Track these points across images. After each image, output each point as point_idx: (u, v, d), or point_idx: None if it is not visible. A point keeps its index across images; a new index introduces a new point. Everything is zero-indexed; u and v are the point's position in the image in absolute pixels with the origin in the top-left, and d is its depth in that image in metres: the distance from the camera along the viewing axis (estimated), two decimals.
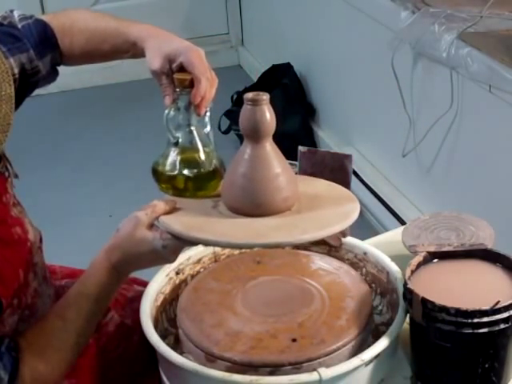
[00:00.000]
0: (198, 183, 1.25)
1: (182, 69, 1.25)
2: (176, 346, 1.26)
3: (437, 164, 2.47)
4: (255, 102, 1.17)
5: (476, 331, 1.11)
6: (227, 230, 1.15)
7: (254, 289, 1.31)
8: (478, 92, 2.12)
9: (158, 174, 1.26)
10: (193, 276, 1.39)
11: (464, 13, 2.25)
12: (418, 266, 1.23)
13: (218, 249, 1.42)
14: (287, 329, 1.21)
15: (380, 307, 1.36)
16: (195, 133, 1.25)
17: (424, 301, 1.13)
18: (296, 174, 1.42)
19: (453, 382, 1.19)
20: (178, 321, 1.27)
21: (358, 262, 1.40)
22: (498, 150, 2.14)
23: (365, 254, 1.39)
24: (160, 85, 1.27)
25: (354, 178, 2.31)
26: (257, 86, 3.46)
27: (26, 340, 1.17)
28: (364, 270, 1.39)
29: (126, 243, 1.19)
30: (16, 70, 1.26)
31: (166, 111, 1.24)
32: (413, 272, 1.21)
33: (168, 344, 1.21)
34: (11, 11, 1.34)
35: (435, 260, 1.25)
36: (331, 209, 1.21)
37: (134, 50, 1.33)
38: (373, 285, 1.37)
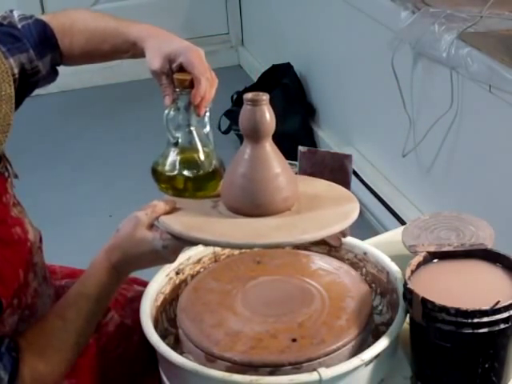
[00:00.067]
0: (197, 183, 1.25)
1: (181, 69, 1.25)
2: (176, 345, 1.26)
3: (437, 164, 2.47)
4: (255, 103, 1.17)
5: (476, 331, 1.11)
6: (227, 230, 1.15)
7: (253, 289, 1.31)
8: (477, 92, 2.12)
9: (157, 174, 1.26)
10: (193, 276, 1.39)
11: (464, 13, 2.25)
12: (418, 265, 1.23)
13: (217, 249, 1.42)
14: (287, 329, 1.21)
15: (380, 307, 1.36)
16: (195, 133, 1.25)
17: (424, 301, 1.13)
18: (296, 174, 1.42)
19: (453, 382, 1.19)
20: (178, 321, 1.27)
21: (358, 262, 1.40)
22: (498, 150, 2.14)
23: (365, 254, 1.39)
24: (160, 85, 1.27)
25: (354, 178, 2.31)
26: (257, 86, 3.46)
27: (26, 340, 1.17)
28: (364, 269, 1.39)
29: (126, 243, 1.19)
30: (16, 70, 1.26)
31: (166, 111, 1.24)
32: (413, 272, 1.21)
33: (168, 344, 1.21)
34: (11, 11, 1.34)
35: (435, 260, 1.25)
36: (331, 209, 1.21)
37: (133, 50, 1.33)
38: (373, 285, 1.37)
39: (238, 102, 3.40)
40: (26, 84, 1.30)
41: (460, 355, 1.15)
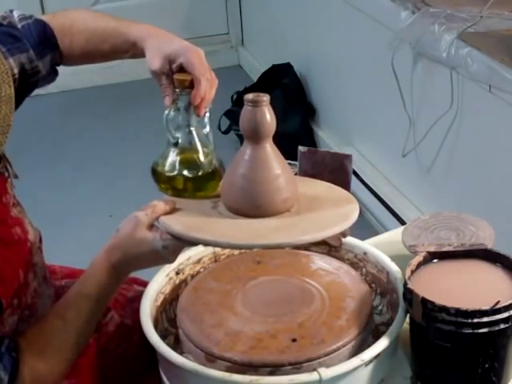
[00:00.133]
0: (197, 184, 1.25)
1: (181, 69, 1.25)
2: (176, 345, 1.26)
3: (437, 164, 2.47)
4: (255, 103, 1.17)
5: (476, 331, 1.11)
6: (227, 231, 1.15)
7: (253, 289, 1.31)
8: (478, 92, 2.12)
9: (157, 175, 1.26)
10: (193, 276, 1.39)
11: (464, 13, 2.25)
12: (418, 266, 1.23)
13: (217, 249, 1.42)
14: (287, 329, 1.21)
15: (380, 307, 1.36)
16: (195, 133, 1.25)
17: (424, 301, 1.13)
18: (296, 174, 1.42)
19: (453, 382, 1.19)
20: (178, 321, 1.27)
21: (358, 262, 1.40)
22: (498, 150, 2.14)
23: (365, 253, 1.39)
24: (160, 85, 1.27)
25: (354, 178, 2.31)
26: (257, 86, 3.46)
27: (26, 340, 1.17)
28: (364, 269, 1.39)
29: (126, 243, 1.19)
30: (16, 70, 1.26)
31: (166, 112, 1.24)
32: (413, 272, 1.21)
33: (168, 344, 1.21)
34: (11, 11, 1.34)
35: (435, 260, 1.25)
36: (330, 210, 1.21)
37: (133, 50, 1.33)
38: (373, 285, 1.37)
39: (238, 102, 3.40)
40: (26, 84, 1.30)
41: (460, 355, 1.15)
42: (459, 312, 1.11)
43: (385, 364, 1.19)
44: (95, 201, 3.16)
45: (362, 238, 1.44)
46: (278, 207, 1.19)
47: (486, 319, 1.11)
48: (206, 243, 1.17)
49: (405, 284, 1.19)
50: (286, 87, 3.37)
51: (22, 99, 1.29)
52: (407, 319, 1.21)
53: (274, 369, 1.15)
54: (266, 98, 1.17)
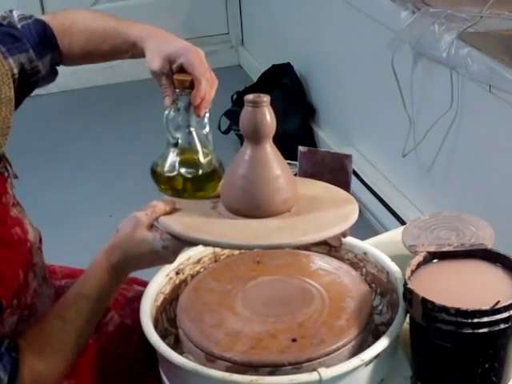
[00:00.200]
0: (196, 184, 1.25)
1: (181, 69, 1.25)
2: (176, 345, 1.26)
3: (437, 164, 2.47)
4: (256, 104, 1.17)
5: (476, 331, 1.11)
6: (227, 231, 1.15)
7: (253, 289, 1.31)
8: (478, 92, 2.12)
9: (156, 175, 1.26)
10: (193, 276, 1.39)
11: (464, 13, 2.25)
12: (418, 266, 1.23)
13: (217, 249, 1.42)
14: (287, 329, 1.21)
15: (380, 307, 1.36)
16: (194, 134, 1.25)
17: (424, 301, 1.13)
18: (296, 174, 1.42)
19: (453, 382, 1.19)
20: (178, 321, 1.27)
21: (358, 262, 1.40)
22: (498, 150, 2.14)
23: (365, 254, 1.39)
24: (160, 85, 1.27)
25: (354, 178, 2.31)
26: (257, 86, 3.46)
27: (26, 340, 1.17)
28: (364, 269, 1.39)
29: (126, 244, 1.19)
30: (15, 70, 1.26)
31: (166, 112, 1.24)
32: (413, 272, 1.21)
33: (168, 344, 1.21)
34: (10, 11, 1.34)
35: (435, 260, 1.25)
36: (330, 210, 1.21)
37: (133, 51, 1.33)
38: (373, 285, 1.37)
39: (238, 102, 3.40)
40: (26, 84, 1.30)
41: (460, 355, 1.15)
42: (459, 312, 1.11)
43: (385, 364, 1.19)
44: (95, 201, 3.16)
45: (362, 238, 1.44)
46: (277, 208, 1.19)
47: (485, 319, 1.11)
48: (206, 243, 1.17)
49: (405, 284, 1.19)
50: (285, 87, 3.37)
51: (22, 99, 1.29)
52: (407, 319, 1.21)
53: (274, 369, 1.15)
54: (266, 98, 1.17)
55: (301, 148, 1.45)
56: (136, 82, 3.95)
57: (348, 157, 1.43)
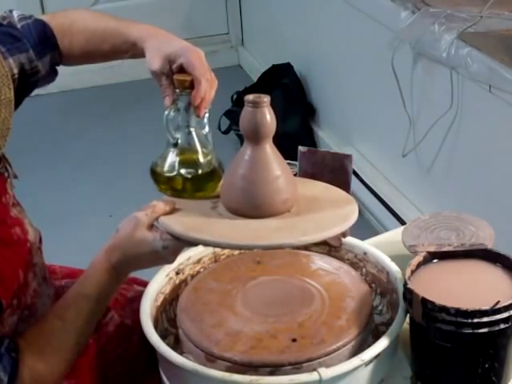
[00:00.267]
0: (196, 184, 1.25)
1: (181, 70, 1.25)
2: (176, 345, 1.26)
3: (437, 164, 2.47)
4: (256, 104, 1.17)
5: (476, 331, 1.11)
6: (227, 231, 1.15)
7: (253, 289, 1.31)
8: (478, 92, 2.12)
9: (156, 175, 1.26)
10: (193, 276, 1.39)
11: (464, 13, 2.25)
12: (418, 265, 1.23)
13: (217, 249, 1.42)
14: (287, 329, 1.21)
15: (380, 307, 1.36)
16: (194, 134, 1.25)
17: (424, 301, 1.13)
18: (296, 174, 1.42)
19: (453, 382, 1.19)
20: (178, 321, 1.27)
21: (358, 262, 1.40)
22: (497, 150, 2.14)
23: (365, 254, 1.39)
24: (160, 85, 1.27)
25: (354, 178, 2.31)
26: (257, 86, 3.46)
27: (26, 340, 1.17)
28: (364, 269, 1.39)
29: (126, 244, 1.19)
30: (15, 71, 1.26)
31: (166, 112, 1.24)
32: (413, 272, 1.21)
33: (168, 344, 1.21)
34: (10, 11, 1.34)
35: (435, 260, 1.25)
36: (330, 211, 1.21)
37: (133, 51, 1.33)
38: (373, 285, 1.37)
39: (238, 102, 3.40)
40: (26, 84, 1.30)
41: (460, 355, 1.15)
42: (459, 312, 1.11)
43: (385, 364, 1.19)
44: (95, 201, 3.16)
45: (362, 238, 1.44)
46: (277, 208, 1.19)
47: (485, 319, 1.11)
48: (206, 243, 1.17)
49: (405, 284, 1.19)
50: (285, 87, 3.37)
51: (22, 99, 1.29)
52: (407, 319, 1.21)
53: (274, 369, 1.15)
54: (266, 98, 1.17)
55: (301, 148, 1.45)
56: (136, 81, 3.95)
57: (348, 157, 1.43)
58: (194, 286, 1.33)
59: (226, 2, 4.28)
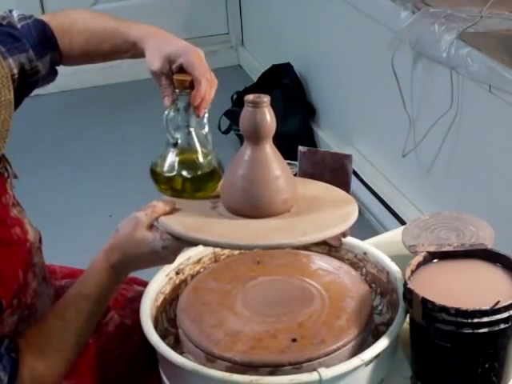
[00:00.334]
0: (196, 184, 1.25)
1: (181, 70, 1.25)
2: (176, 345, 1.26)
3: (437, 164, 2.47)
4: (256, 104, 1.17)
5: (476, 331, 1.11)
6: (227, 231, 1.15)
7: (254, 289, 1.31)
8: (478, 92, 2.12)
9: (156, 175, 1.26)
10: (193, 276, 1.39)
11: (464, 13, 2.25)
12: (418, 265, 1.23)
13: (217, 249, 1.42)
14: (287, 329, 1.21)
15: (380, 307, 1.36)
16: (194, 134, 1.25)
17: (424, 301, 1.13)
18: (296, 174, 1.42)
19: (453, 382, 1.19)
20: (178, 321, 1.27)
21: (358, 262, 1.40)
22: (498, 150, 2.14)
23: (365, 254, 1.39)
24: (160, 85, 1.27)
25: (354, 178, 2.31)
26: (257, 86, 3.46)
27: (26, 340, 1.17)
28: (364, 269, 1.39)
29: (126, 244, 1.19)
30: (15, 71, 1.26)
31: (166, 112, 1.24)
32: (413, 272, 1.21)
33: (168, 344, 1.21)
34: (10, 11, 1.34)
35: (435, 260, 1.25)
36: (330, 211, 1.21)
37: (133, 51, 1.33)
38: (373, 285, 1.37)
39: (238, 102, 3.40)
40: (26, 84, 1.30)
41: (460, 355, 1.15)
42: (459, 312, 1.11)
43: (385, 364, 1.19)
44: (95, 201, 3.16)
45: (362, 238, 1.44)
46: (277, 208, 1.19)
47: (486, 319, 1.11)
48: (206, 243, 1.17)
49: (405, 284, 1.19)
50: (285, 87, 3.37)
51: (22, 99, 1.29)
52: (407, 319, 1.21)
53: (274, 369, 1.15)
54: (266, 99, 1.17)
55: (301, 148, 1.45)
56: (136, 82, 3.95)
57: (348, 157, 1.43)
58: (194, 286, 1.33)
59: (226, 2, 4.28)
